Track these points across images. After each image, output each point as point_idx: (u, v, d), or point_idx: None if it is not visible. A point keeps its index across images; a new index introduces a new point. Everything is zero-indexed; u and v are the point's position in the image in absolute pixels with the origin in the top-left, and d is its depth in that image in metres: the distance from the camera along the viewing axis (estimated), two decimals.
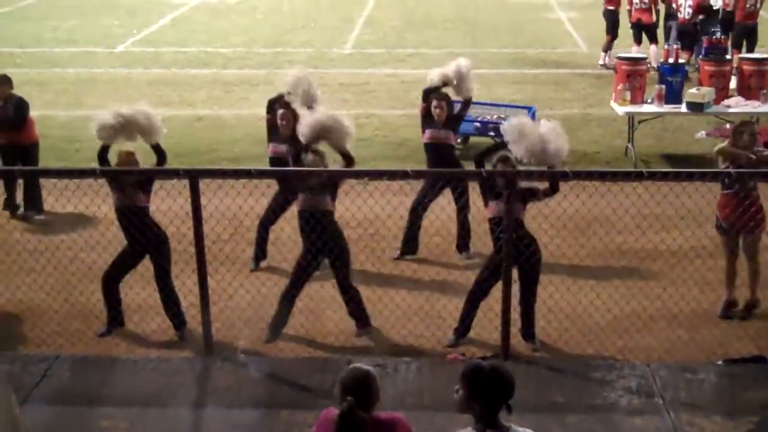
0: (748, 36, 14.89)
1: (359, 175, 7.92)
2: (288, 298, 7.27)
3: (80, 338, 7.37)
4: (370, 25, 20.45)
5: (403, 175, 7.90)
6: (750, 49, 14.62)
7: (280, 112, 8.27)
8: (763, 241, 7.64)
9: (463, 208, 8.58)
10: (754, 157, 7.31)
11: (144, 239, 7.24)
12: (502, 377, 3.86)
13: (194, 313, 7.16)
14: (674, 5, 15.12)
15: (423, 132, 8.63)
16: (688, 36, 14.81)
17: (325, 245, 7.14)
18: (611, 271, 8.36)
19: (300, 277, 7.27)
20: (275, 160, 8.31)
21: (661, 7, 15.58)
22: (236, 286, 7.65)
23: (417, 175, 7.76)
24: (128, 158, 7.26)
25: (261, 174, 7.60)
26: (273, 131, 8.41)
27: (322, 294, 7.65)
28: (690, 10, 14.87)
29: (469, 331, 7.25)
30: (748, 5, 14.75)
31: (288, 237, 8.56)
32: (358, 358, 6.81)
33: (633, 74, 11.24)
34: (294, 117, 8.05)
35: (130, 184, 7.17)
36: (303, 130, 7.38)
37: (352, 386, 3.91)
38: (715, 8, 15.08)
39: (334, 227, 7.26)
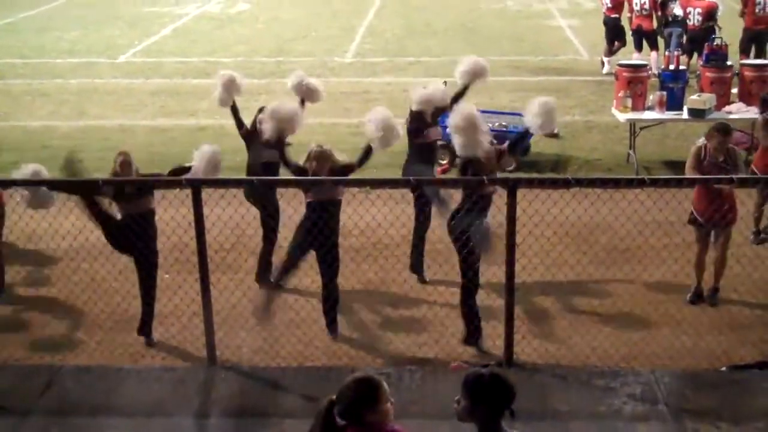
0: (757, 42, 14.83)
1: (362, 183, 7.92)
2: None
3: (83, 348, 7.38)
4: (371, 33, 20.49)
5: (406, 183, 7.91)
6: (759, 55, 14.58)
7: (260, 116, 8.35)
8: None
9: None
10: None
11: (147, 247, 7.27)
12: (503, 383, 3.87)
13: (197, 323, 7.15)
14: (677, 12, 15.09)
15: (423, 133, 8.61)
16: (699, 42, 14.72)
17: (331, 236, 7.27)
18: (614, 278, 8.35)
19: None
20: (265, 165, 8.20)
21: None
22: (239, 296, 7.66)
23: (419, 183, 7.75)
24: (125, 158, 7.28)
25: (263, 183, 7.61)
26: (253, 138, 8.36)
27: None
28: (700, 18, 14.85)
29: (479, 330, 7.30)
30: (757, 10, 14.71)
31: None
32: (361, 366, 6.82)
33: (634, 81, 11.25)
34: None
35: (134, 191, 7.21)
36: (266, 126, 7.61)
37: (342, 391, 3.89)
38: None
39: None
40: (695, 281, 7.98)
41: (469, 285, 7.17)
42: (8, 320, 7.75)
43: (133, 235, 7.20)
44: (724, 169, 7.76)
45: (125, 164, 7.28)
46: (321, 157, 7.32)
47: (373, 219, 7.52)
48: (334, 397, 3.87)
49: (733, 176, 7.27)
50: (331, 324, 7.47)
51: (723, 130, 7.88)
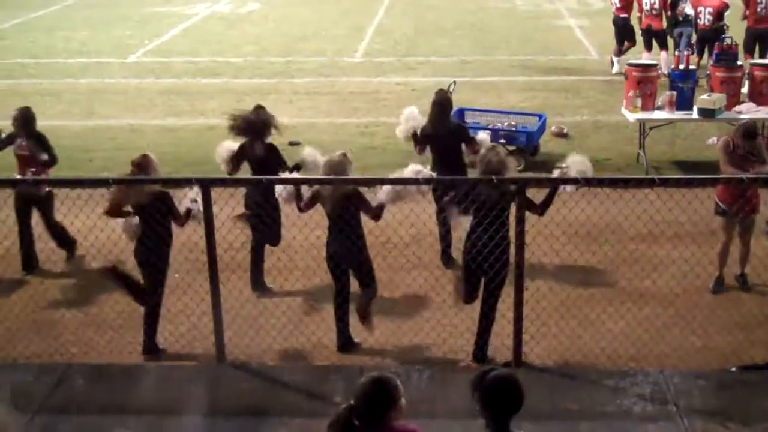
0: (761, 41, 14.79)
1: (371, 182, 7.92)
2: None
3: (93, 347, 7.40)
4: (380, 33, 20.49)
5: (414, 182, 7.90)
6: (762, 55, 14.54)
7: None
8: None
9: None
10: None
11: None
12: (508, 386, 3.85)
13: (206, 321, 7.17)
14: (688, 12, 15.06)
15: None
16: (710, 42, 14.65)
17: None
18: (623, 278, 8.34)
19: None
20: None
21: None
22: (248, 294, 7.67)
23: (428, 182, 7.75)
24: (144, 159, 7.11)
25: (272, 182, 7.61)
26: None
27: (332, 302, 7.63)
28: (710, 17, 14.79)
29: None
30: (759, 9, 14.67)
31: (300, 245, 8.58)
32: (370, 366, 6.82)
33: (644, 81, 11.21)
34: None
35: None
36: None
37: (360, 393, 3.87)
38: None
39: None
40: (718, 270, 8.14)
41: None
42: (19, 319, 7.78)
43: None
44: (750, 160, 7.89)
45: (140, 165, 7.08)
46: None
47: (381, 218, 7.52)
48: (353, 402, 3.84)
49: (743, 176, 7.27)
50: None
51: (751, 135, 7.93)
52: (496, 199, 6.78)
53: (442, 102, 8.79)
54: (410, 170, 7.22)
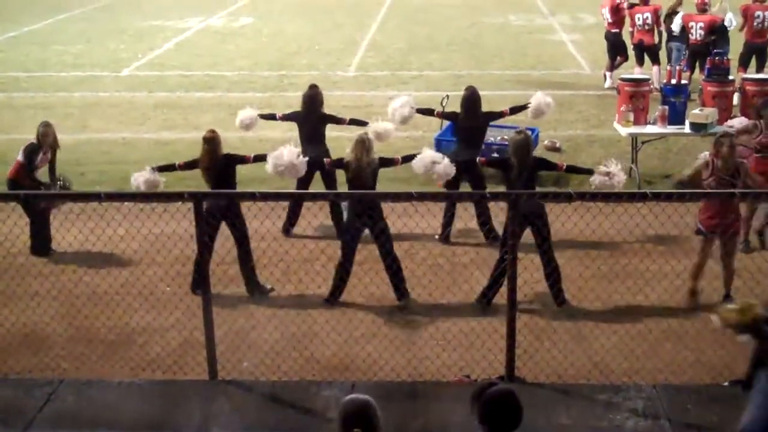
0: (757, 55, 14.85)
1: (364, 197, 7.92)
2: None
3: (84, 362, 7.36)
4: (373, 47, 20.55)
5: (408, 197, 7.91)
6: (760, 69, 14.59)
7: None
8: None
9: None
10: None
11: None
12: (509, 402, 3.82)
13: (198, 336, 7.14)
14: (674, 28, 15.14)
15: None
16: (701, 56, 14.67)
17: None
18: (616, 293, 8.33)
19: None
20: None
21: (663, 27, 15.59)
22: (240, 309, 7.65)
23: (421, 197, 7.76)
24: (213, 135, 8.31)
25: (265, 197, 7.61)
26: None
27: (325, 316, 7.64)
28: (702, 32, 14.84)
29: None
30: (755, 23, 14.74)
31: (293, 259, 8.57)
32: (361, 380, 6.80)
33: (636, 95, 11.25)
34: None
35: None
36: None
37: (353, 418, 3.81)
38: (729, 28, 14.99)
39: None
40: (691, 283, 8.10)
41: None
42: (10, 333, 7.75)
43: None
44: (731, 183, 7.82)
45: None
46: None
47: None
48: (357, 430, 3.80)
49: (735, 191, 7.30)
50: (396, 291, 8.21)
51: (728, 134, 8.09)
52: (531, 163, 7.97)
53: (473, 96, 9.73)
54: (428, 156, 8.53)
